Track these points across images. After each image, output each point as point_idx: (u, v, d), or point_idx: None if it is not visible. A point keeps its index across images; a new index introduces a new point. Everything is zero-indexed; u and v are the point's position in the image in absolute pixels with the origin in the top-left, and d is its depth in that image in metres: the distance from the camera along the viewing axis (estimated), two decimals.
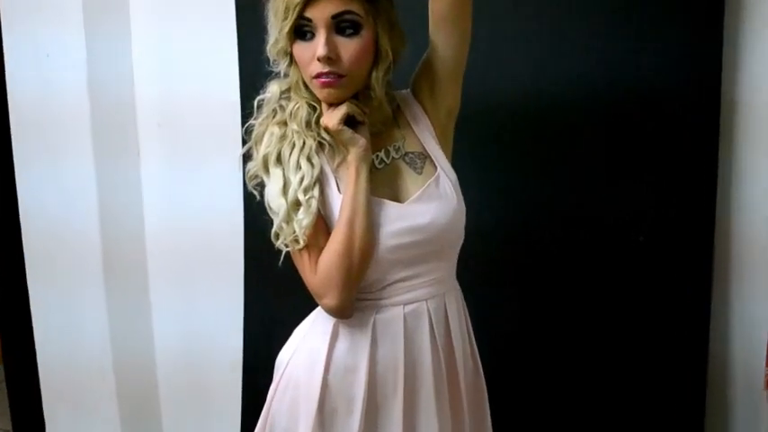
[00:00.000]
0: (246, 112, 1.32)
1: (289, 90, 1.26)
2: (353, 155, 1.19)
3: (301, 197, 1.19)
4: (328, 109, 1.21)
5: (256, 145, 1.27)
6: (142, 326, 2.49)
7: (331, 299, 1.20)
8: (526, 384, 1.89)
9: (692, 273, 1.76)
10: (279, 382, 1.34)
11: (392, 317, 1.26)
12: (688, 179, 1.76)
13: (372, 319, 1.26)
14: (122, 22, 2.28)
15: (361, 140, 1.19)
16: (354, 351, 1.26)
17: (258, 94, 1.29)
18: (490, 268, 1.83)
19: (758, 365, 1.66)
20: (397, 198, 1.25)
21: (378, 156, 1.26)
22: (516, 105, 1.84)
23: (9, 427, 2.85)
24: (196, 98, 2.21)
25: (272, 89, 1.27)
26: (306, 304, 1.33)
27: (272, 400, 1.35)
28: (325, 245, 1.21)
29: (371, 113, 1.24)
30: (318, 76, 1.15)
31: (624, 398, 1.86)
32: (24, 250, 2.45)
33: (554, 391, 1.89)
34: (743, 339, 1.76)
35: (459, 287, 1.37)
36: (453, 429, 1.33)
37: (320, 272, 1.20)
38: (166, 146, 2.32)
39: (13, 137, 2.36)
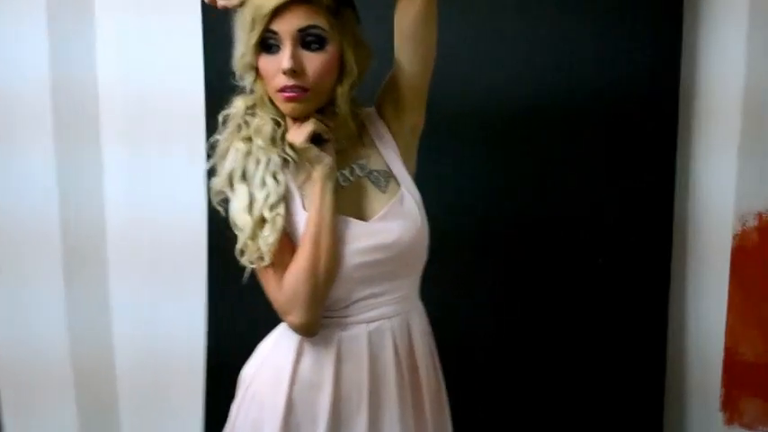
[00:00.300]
0: (210, 102, 1.31)
1: (254, 106, 1.26)
2: (319, 172, 1.19)
3: (267, 214, 1.20)
4: (294, 125, 1.22)
5: (221, 160, 1.26)
6: (101, 322, 2.45)
7: (296, 316, 1.20)
8: (490, 399, 1.90)
9: (650, 292, 1.79)
10: (243, 397, 1.34)
11: (356, 334, 1.26)
12: (646, 189, 1.80)
13: (337, 337, 1.26)
14: (87, 12, 2.26)
15: (327, 158, 1.20)
16: (319, 368, 1.26)
17: (222, 83, 1.29)
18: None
19: (714, 386, 1.69)
20: (361, 216, 1.26)
21: (342, 173, 1.26)
22: (471, 111, 1.87)
23: None
24: (160, 89, 2.22)
25: (237, 104, 1.27)
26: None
27: (236, 416, 1.34)
28: (290, 262, 1.21)
29: (336, 130, 1.24)
30: (283, 89, 1.16)
31: (581, 424, 1.88)
32: None
33: (518, 406, 1.91)
34: (699, 360, 1.78)
35: (422, 305, 1.38)
36: None
37: (285, 289, 1.21)
38: (129, 137, 2.30)
39: None
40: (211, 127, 1.50)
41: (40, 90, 2.23)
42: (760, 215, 1.58)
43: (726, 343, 1.64)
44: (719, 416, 1.68)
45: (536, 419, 1.91)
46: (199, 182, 1.31)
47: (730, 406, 1.66)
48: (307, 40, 1.15)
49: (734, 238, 1.61)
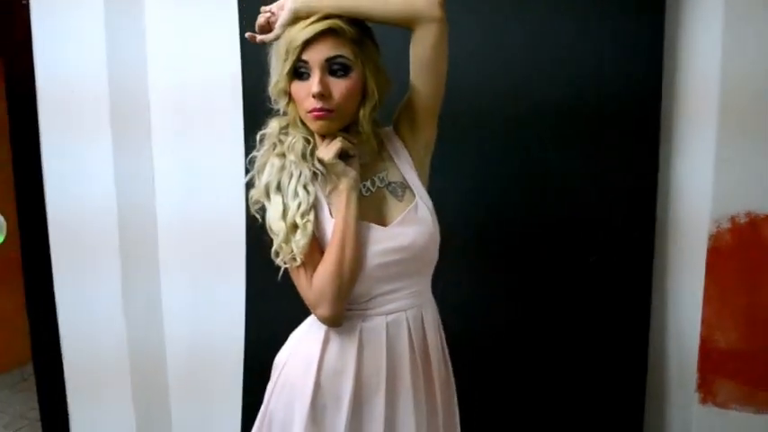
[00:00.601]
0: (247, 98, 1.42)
1: (287, 126, 1.41)
2: (345, 184, 1.34)
3: (299, 221, 1.35)
4: (323, 142, 1.36)
5: (258, 174, 1.41)
6: (154, 315, 2.63)
7: (324, 310, 1.36)
8: (492, 386, 2.05)
9: (634, 287, 1.92)
10: (276, 382, 1.48)
11: (376, 325, 1.41)
12: (630, 191, 1.92)
13: (359, 328, 1.41)
14: (138, 9, 2.44)
15: (352, 172, 1.35)
16: (343, 355, 1.40)
17: (259, 82, 1.43)
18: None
19: (691, 370, 1.83)
20: (381, 222, 1.41)
21: (365, 185, 1.41)
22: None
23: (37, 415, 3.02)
24: (202, 84, 2.38)
25: (273, 125, 1.42)
26: None
27: (270, 398, 1.49)
28: (318, 263, 1.36)
29: (360, 147, 1.39)
30: (312, 110, 1.31)
31: (570, 404, 2.02)
32: (50, 238, 2.58)
33: (509, 387, 2.06)
34: (678, 347, 1.92)
35: (433, 300, 1.53)
36: (428, 424, 1.48)
37: (315, 286, 1.36)
38: (176, 132, 2.49)
39: (40, 125, 2.50)
40: (248, 124, 1.63)
41: (98, 86, 2.38)
42: (733, 218, 1.70)
43: (701, 332, 1.77)
44: (696, 396, 1.81)
45: (526, 401, 2.05)
46: (239, 184, 1.45)
47: (705, 388, 1.79)
48: (333, 68, 1.30)
49: (710, 239, 1.73)
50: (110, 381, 2.62)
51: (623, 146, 1.90)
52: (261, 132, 1.44)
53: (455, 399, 1.59)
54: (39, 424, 3.15)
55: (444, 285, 1.60)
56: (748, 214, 1.70)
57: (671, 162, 1.92)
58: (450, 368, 1.58)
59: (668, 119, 1.91)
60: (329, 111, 1.30)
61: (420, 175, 1.48)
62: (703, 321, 1.78)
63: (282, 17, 1.31)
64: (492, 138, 2.00)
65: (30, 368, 3.30)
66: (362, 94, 1.36)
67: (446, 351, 1.56)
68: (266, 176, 1.39)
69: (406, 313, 1.44)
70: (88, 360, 2.63)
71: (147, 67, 2.49)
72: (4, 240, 1.74)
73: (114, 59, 2.40)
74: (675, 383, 1.94)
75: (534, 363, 2.03)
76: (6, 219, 1.79)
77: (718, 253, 1.74)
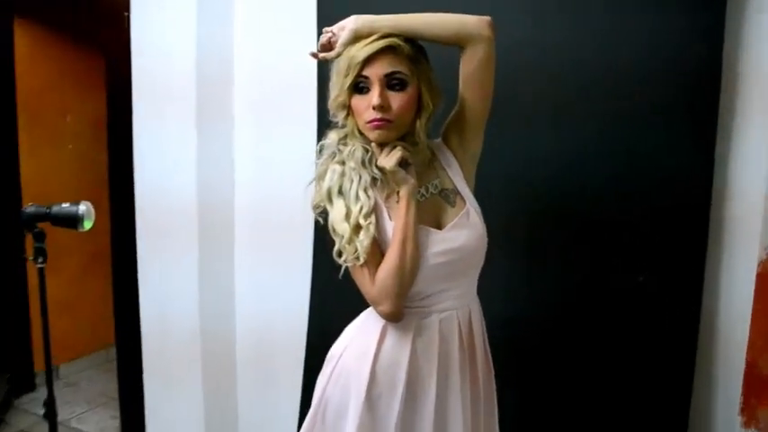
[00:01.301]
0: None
1: (345, 137, 1.53)
2: (404, 191, 1.46)
3: (362, 222, 1.46)
4: (383, 152, 1.48)
5: (319, 180, 1.53)
6: (226, 301, 2.82)
7: (387, 306, 1.47)
8: (534, 395, 2.13)
9: (684, 309, 1.96)
10: (332, 371, 1.60)
11: (430, 322, 1.53)
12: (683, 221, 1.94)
13: (415, 324, 1.52)
14: (227, 19, 2.67)
15: (411, 179, 1.47)
16: (398, 349, 1.52)
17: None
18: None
19: (736, 394, 1.87)
20: (436, 225, 1.52)
21: (420, 191, 1.52)
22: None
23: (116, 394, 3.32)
24: (283, 84, 2.56)
25: (332, 136, 1.55)
26: None
27: (325, 387, 1.61)
28: (379, 262, 1.47)
29: (416, 156, 1.50)
30: (372, 121, 1.43)
31: (615, 419, 2.06)
32: (137, 228, 2.81)
33: (555, 393, 2.12)
34: (726, 369, 1.95)
35: (478, 300, 1.64)
36: (472, 413, 1.58)
37: (378, 284, 1.47)
38: (256, 120, 2.69)
39: (134, 119, 2.74)
40: (321, 122, 1.75)
41: (186, 72, 2.57)
42: None
43: (747, 357, 1.81)
44: (738, 420, 1.84)
45: (570, 415, 2.11)
46: (309, 177, 1.62)
47: (748, 412, 1.82)
48: (391, 82, 1.43)
49: (759, 264, 1.78)
50: (182, 362, 2.81)
51: (678, 164, 1.93)
52: (320, 143, 1.56)
53: (494, 388, 1.69)
54: (116, 402, 3.40)
55: (490, 291, 1.70)
56: None
57: (726, 182, 1.95)
58: (491, 362, 1.68)
59: (725, 128, 1.93)
60: (388, 121, 1.42)
61: (468, 183, 1.59)
62: (749, 346, 1.81)
63: (344, 36, 1.45)
64: (538, 147, 2.09)
65: (113, 351, 3.54)
66: (418, 106, 1.48)
67: (488, 349, 1.67)
68: (327, 182, 1.51)
69: (457, 311, 1.55)
70: (164, 343, 2.84)
71: (232, 67, 2.69)
72: (92, 227, 1.92)
73: (203, 60, 2.60)
74: (720, 406, 1.98)
75: (579, 376, 2.09)
76: (98, 209, 1.98)
77: (766, 279, 1.78)
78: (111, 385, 3.88)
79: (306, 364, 2.51)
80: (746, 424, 1.83)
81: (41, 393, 3.78)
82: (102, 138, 3.20)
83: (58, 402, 3.67)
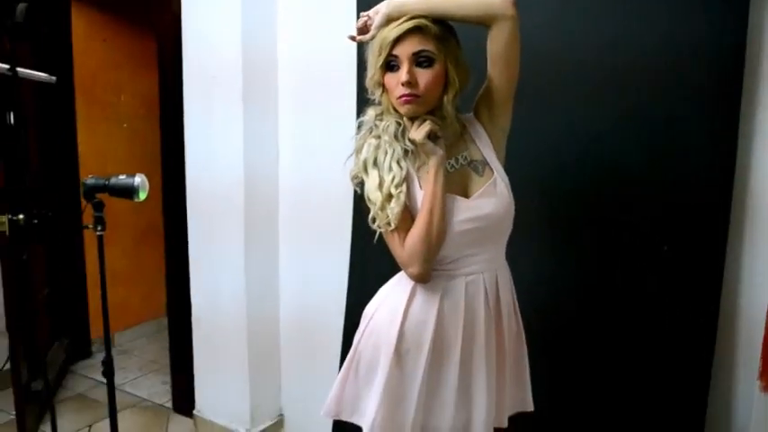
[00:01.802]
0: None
1: (381, 114, 1.64)
2: (433, 161, 1.56)
3: (393, 191, 1.57)
4: (413, 125, 1.58)
5: (357, 153, 1.65)
6: (271, 278, 2.98)
7: (415, 268, 1.58)
8: (561, 362, 2.21)
9: (706, 279, 2.00)
10: (365, 328, 1.71)
11: (456, 284, 1.63)
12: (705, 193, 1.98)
13: (442, 286, 1.62)
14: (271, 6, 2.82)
15: (440, 151, 1.57)
16: (426, 308, 1.62)
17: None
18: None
19: (756, 357, 1.89)
20: (464, 194, 1.62)
21: (450, 162, 1.62)
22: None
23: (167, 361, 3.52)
24: (324, 69, 2.71)
25: (369, 113, 1.66)
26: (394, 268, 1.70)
27: (359, 342, 1.72)
28: (410, 228, 1.58)
29: (445, 129, 1.60)
30: (401, 96, 1.54)
31: (637, 383, 2.13)
32: (188, 204, 2.98)
33: (582, 368, 2.20)
34: (747, 334, 1.99)
35: (507, 265, 1.73)
36: (498, 370, 1.68)
37: (407, 248, 1.58)
38: (299, 107, 2.83)
39: (184, 100, 2.90)
40: (360, 107, 1.87)
41: (233, 56, 2.70)
42: None
43: (766, 324, 1.84)
44: (757, 384, 1.87)
45: (595, 378, 2.19)
46: (349, 161, 1.72)
47: (767, 377, 1.85)
48: (419, 60, 1.52)
49: None
50: (229, 334, 2.97)
51: (700, 136, 1.98)
52: (359, 120, 1.68)
53: (525, 351, 1.79)
54: (167, 369, 3.58)
55: (519, 260, 1.79)
56: None
57: (750, 155, 1.97)
58: (521, 324, 1.77)
59: (748, 106, 1.95)
60: (416, 96, 1.52)
61: (498, 155, 1.68)
62: None
63: (377, 20, 1.55)
64: (566, 128, 2.16)
65: (165, 320, 3.72)
66: (445, 82, 1.57)
67: (518, 309, 1.76)
68: (364, 154, 1.62)
69: (483, 275, 1.64)
70: (212, 315, 3.02)
71: (276, 51, 2.83)
72: (146, 198, 2.05)
73: (248, 44, 2.73)
74: (741, 370, 2.02)
75: (607, 341, 2.16)
76: (151, 184, 2.11)
77: None
78: (162, 353, 4.09)
79: (344, 336, 2.63)
80: (766, 388, 1.86)
81: (97, 360, 4.03)
82: (154, 117, 3.35)
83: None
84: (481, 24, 1.55)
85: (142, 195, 1.99)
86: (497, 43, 1.56)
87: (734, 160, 1.93)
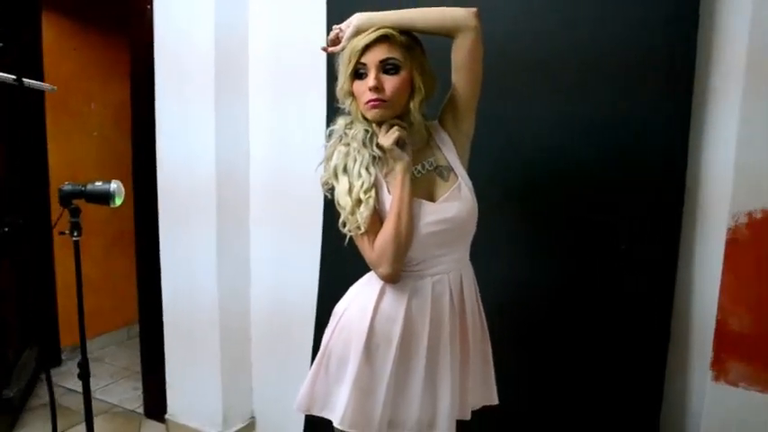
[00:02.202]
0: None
1: (351, 123, 1.72)
2: (400, 167, 1.64)
3: (362, 197, 1.64)
4: (381, 131, 1.65)
5: (327, 161, 1.73)
6: (242, 269, 3.03)
7: (385, 269, 1.65)
8: (523, 354, 2.30)
9: (660, 276, 2.11)
10: (336, 325, 1.78)
11: (424, 284, 1.71)
12: (659, 190, 2.09)
13: (410, 286, 1.70)
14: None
15: (406, 157, 1.65)
16: (395, 306, 1.70)
17: None
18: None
19: (708, 349, 2.01)
20: (430, 198, 1.69)
21: (417, 168, 1.70)
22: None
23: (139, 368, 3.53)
24: (295, 58, 2.77)
25: (339, 122, 1.74)
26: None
27: (329, 339, 1.79)
28: (379, 231, 1.65)
29: (413, 135, 1.69)
30: (369, 101, 1.62)
31: (595, 375, 2.23)
32: (159, 201, 3.01)
33: (542, 362, 2.30)
34: (699, 328, 2.10)
35: (471, 265, 1.81)
36: (461, 365, 1.76)
37: (377, 249, 1.65)
38: (270, 96, 2.89)
39: (156, 95, 2.95)
40: (331, 100, 1.97)
41: (205, 52, 2.76)
42: (750, 214, 1.88)
43: (718, 316, 1.96)
44: (710, 374, 1.99)
45: (554, 371, 2.29)
46: (319, 153, 1.79)
47: (718, 366, 1.97)
48: (386, 67, 1.61)
49: (728, 231, 1.92)
50: (201, 335, 3.02)
51: (654, 144, 2.08)
52: (329, 128, 1.75)
53: (489, 347, 1.87)
54: (139, 375, 3.61)
55: (483, 260, 1.87)
56: (764, 210, 1.87)
57: (700, 160, 2.08)
58: (485, 321, 1.86)
59: (699, 134, 2.07)
60: (383, 101, 1.60)
61: (462, 160, 1.76)
62: (720, 306, 1.96)
63: (348, 32, 1.64)
64: (526, 131, 2.26)
65: (135, 328, 3.75)
66: (411, 89, 1.65)
67: (481, 307, 1.84)
68: (334, 161, 1.70)
69: (448, 275, 1.72)
70: (184, 318, 3.06)
71: (248, 49, 2.90)
72: (122, 203, 2.10)
73: (221, 42, 2.80)
74: (694, 361, 2.13)
75: (566, 336, 2.27)
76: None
77: (735, 245, 1.92)
78: (132, 360, 4.11)
79: (316, 333, 2.68)
80: (716, 377, 1.98)
81: (67, 367, 4.05)
82: (123, 125, 3.39)
83: None
84: (446, 35, 1.65)
85: (118, 201, 2.04)
86: (461, 52, 1.65)
87: (686, 160, 2.05)
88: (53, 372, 4.06)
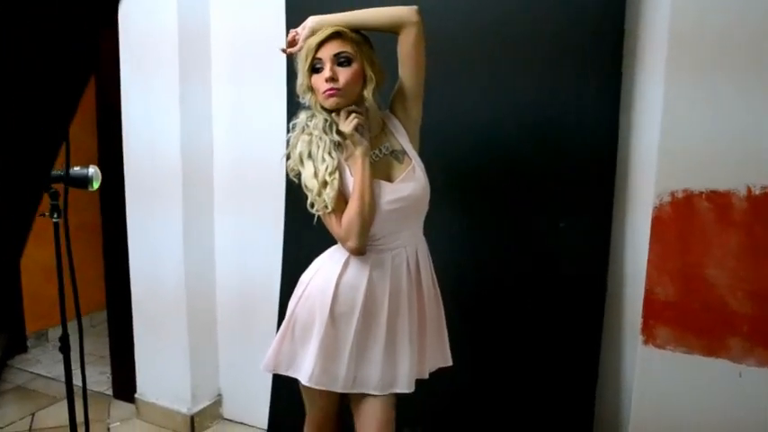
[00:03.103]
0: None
1: (312, 115, 1.89)
2: (360, 151, 1.82)
3: (327, 178, 1.82)
4: (341, 119, 1.83)
5: (292, 150, 1.90)
6: (207, 247, 3.15)
7: (353, 242, 1.83)
8: (469, 322, 2.50)
9: (593, 249, 2.34)
10: (302, 293, 1.95)
11: (384, 257, 1.89)
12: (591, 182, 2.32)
13: (371, 258, 1.88)
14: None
15: (365, 142, 1.83)
16: (358, 276, 1.88)
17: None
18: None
19: (638, 315, 2.21)
20: (388, 179, 1.88)
21: (374, 152, 1.89)
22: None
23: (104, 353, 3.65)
24: (256, 47, 2.90)
25: (301, 116, 1.92)
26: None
27: (295, 305, 1.96)
28: (344, 209, 1.83)
29: (369, 122, 1.87)
30: (326, 91, 1.80)
31: (534, 340, 2.43)
32: (126, 187, 3.11)
33: (487, 328, 2.51)
34: (631, 297, 2.32)
35: (425, 240, 2.00)
36: (419, 329, 1.95)
37: (344, 226, 1.82)
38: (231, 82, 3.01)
39: (121, 79, 3.03)
40: (291, 86, 2.16)
41: (169, 37, 2.87)
42: (673, 193, 2.08)
43: (646, 285, 2.16)
44: (640, 338, 2.18)
45: (499, 337, 2.49)
46: (281, 141, 1.97)
47: (647, 331, 2.17)
48: (340, 60, 1.81)
49: (653, 209, 2.12)
50: (169, 317, 3.13)
51: (588, 121, 2.31)
52: (292, 122, 1.93)
53: (443, 313, 2.07)
54: (105, 360, 3.72)
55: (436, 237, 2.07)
56: (685, 191, 2.08)
57: (629, 150, 2.32)
58: (438, 290, 2.05)
59: (627, 120, 2.30)
60: (338, 89, 1.79)
61: (413, 144, 1.96)
62: (647, 277, 2.17)
63: (304, 33, 1.83)
64: (468, 116, 2.47)
65: (98, 315, 3.84)
66: (363, 79, 1.85)
67: (435, 278, 2.03)
68: (299, 149, 1.88)
69: (405, 249, 1.91)
70: (152, 301, 3.17)
71: (210, 32, 3.02)
72: (98, 187, 2.23)
73: (184, 28, 2.91)
74: (627, 327, 2.35)
75: (512, 304, 2.48)
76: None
77: (659, 221, 2.13)
78: (98, 346, 4.20)
79: (280, 312, 2.82)
80: (646, 341, 2.18)
81: (32, 354, 4.13)
82: (89, 119, 3.48)
83: (49, 362, 4.02)
84: (392, 31, 1.85)
85: (95, 185, 2.17)
86: (406, 46, 1.86)
87: (615, 143, 2.28)
88: (19, 358, 4.17)
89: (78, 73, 0.57)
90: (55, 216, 2.15)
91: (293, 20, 2.36)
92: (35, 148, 0.55)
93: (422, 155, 1.97)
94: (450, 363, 2.10)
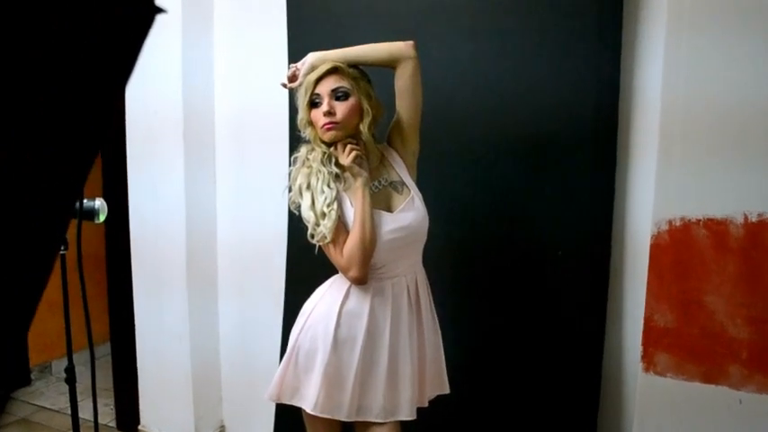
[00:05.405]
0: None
1: (312, 149, 1.93)
2: (359, 182, 1.86)
3: (325, 210, 1.86)
4: (339, 151, 1.87)
5: (293, 182, 1.93)
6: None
7: (354, 272, 1.85)
8: (471, 330, 2.51)
9: (594, 279, 2.34)
10: (305, 322, 1.97)
11: (385, 286, 1.92)
12: (591, 206, 2.33)
13: (373, 287, 1.91)
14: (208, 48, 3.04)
15: (365, 173, 1.87)
16: (360, 304, 1.91)
17: None
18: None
19: (638, 343, 2.21)
20: (388, 209, 1.91)
21: (374, 184, 1.92)
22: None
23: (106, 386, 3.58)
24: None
25: (302, 150, 1.97)
26: None
27: (298, 335, 1.98)
28: (344, 240, 1.85)
29: (368, 156, 1.91)
30: (324, 125, 1.85)
31: (537, 366, 2.44)
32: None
33: (490, 357, 2.50)
34: (631, 324, 2.33)
35: (423, 269, 2.03)
36: (419, 359, 1.97)
37: (346, 255, 1.85)
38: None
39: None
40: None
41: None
42: (670, 222, 2.11)
43: (645, 313, 2.17)
44: (640, 365, 2.19)
45: (500, 366, 2.50)
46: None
47: (647, 359, 2.17)
48: (337, 95, 1.85)
49: (651, 237, 2.14)
50: (173, 350, 3.15)
51: (586, 168, 2.34)
52: (294, 156, 1.98)
53: (441, 341, 2.08)
54: (108, 392, 3.71)
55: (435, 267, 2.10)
56: (682, 219, 2.10)
57: (626, 179, 2.35)
58: (437, 317, 2.07)
59: (624, 150, 2.34)
60: (336, 123, 1.84)
61: (411, 175, 1.99)
62: (646, 304, 2.18)
63: (304, 69, 1.88)
64: (469, 151, 2.49)
65: (101, 349, 3.87)
66: (360, 113, 1.89)
67: (433, 305, 2.06)
68: (299, 181, 1.91)
69: (405, 277, 1.94)
70: (157, 331, 3.20)
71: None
72: (105, 220, 2.26)
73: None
74: (627, 355, 2.36)
75: (512, 335, 2.48)
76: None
77: (657, 249, 2.15)
78: (101, 378, 4.13)
79: (282, 341, 2.81)
80: (646, 369, 2.19)
81: (36, 387, 4.12)
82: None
83: (53, 394, 4.02)
84: (389, 66, 1.90)
85: (102, 217, 2.20)
86: (403, 80, 1.91)
87: (613, 171, 2.32)
88: (23, 391, 4.17)
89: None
90: (62, 248, 2.17)
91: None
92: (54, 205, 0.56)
93: (422, 186, 2.01)
94: (447, 390, 2.12)
